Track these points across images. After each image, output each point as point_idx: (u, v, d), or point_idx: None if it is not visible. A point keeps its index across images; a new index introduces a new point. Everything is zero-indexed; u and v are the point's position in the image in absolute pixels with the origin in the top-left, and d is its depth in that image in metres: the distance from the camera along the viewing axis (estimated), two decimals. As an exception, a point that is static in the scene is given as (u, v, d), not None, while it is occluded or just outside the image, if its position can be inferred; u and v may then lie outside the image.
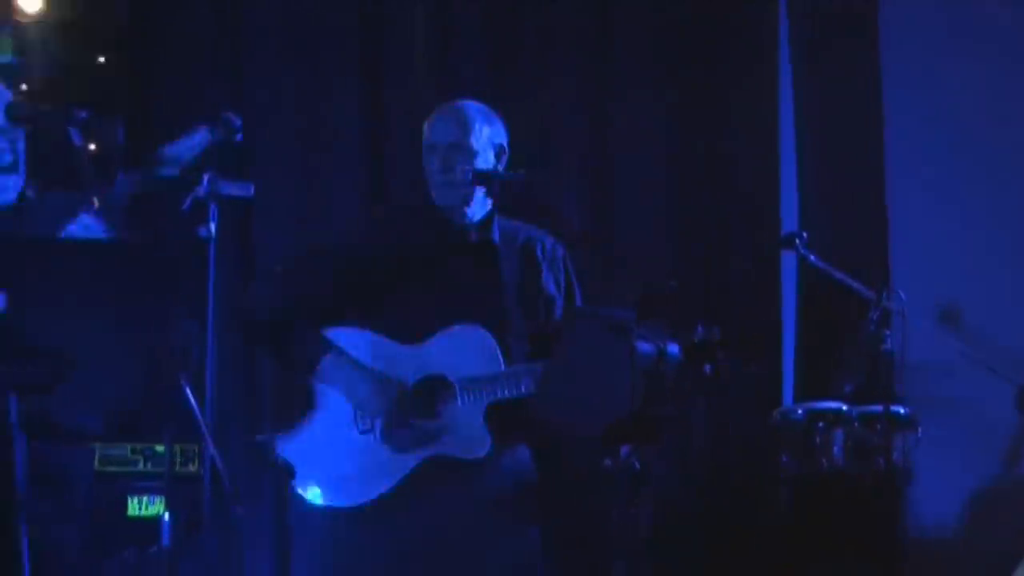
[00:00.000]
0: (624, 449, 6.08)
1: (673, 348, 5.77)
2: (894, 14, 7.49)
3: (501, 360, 5.10)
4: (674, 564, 6.30)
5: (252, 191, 5.85)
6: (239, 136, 5.08)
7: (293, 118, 7.63)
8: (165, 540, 4.47)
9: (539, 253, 5.34)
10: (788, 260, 7.06)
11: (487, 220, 5.27)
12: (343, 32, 7.73)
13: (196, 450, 5.94)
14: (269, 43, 7.75)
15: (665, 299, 6.11)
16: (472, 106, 5.33)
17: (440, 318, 5.08)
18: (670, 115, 7.60)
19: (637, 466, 5.98)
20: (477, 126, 5.20)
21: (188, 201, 5.53)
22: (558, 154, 7.54)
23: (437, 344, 5.09)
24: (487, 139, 5.21)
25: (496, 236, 5.27)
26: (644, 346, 5.70)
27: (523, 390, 5.11)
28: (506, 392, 5.08)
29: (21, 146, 4.52)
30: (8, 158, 4.58)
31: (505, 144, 5.30)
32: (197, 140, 4.79)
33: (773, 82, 7.52)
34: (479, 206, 5.25)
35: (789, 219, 7.28)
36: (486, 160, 5.20)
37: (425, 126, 5.30)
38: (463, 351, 5.09)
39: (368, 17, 7.69)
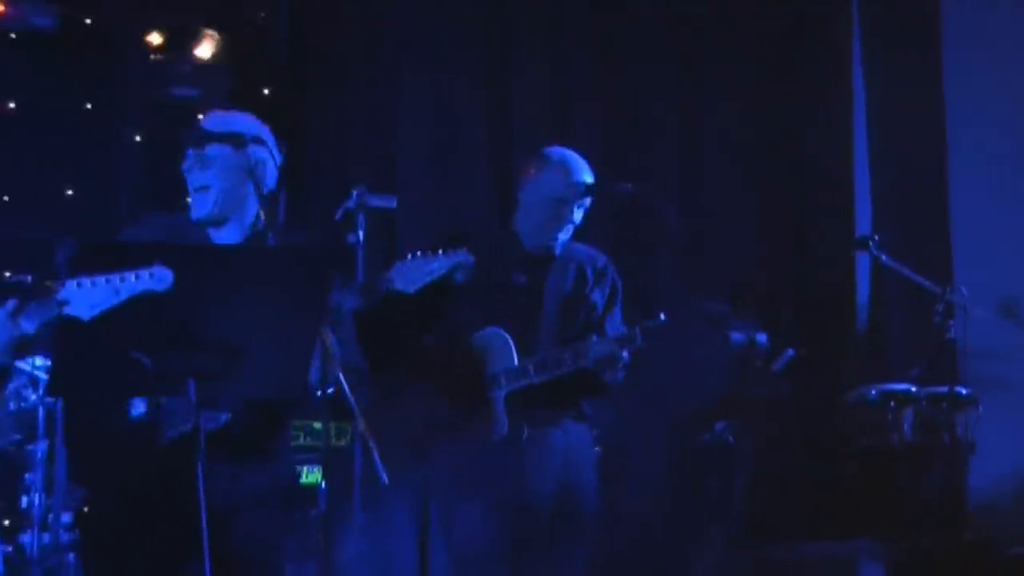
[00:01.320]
0: (719, 425, 6.21)
1: (761, 337, 5.88)
2: (957, 19, 7.35)
3: (515, 356, 5.17)
4: (764, 527, 6.32)
5: (395, 203, 6.02)
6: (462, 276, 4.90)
7: (431, 139, 7.74)
8: (322, 505, 4.45)
9: (589, 271, 5.43)
10: (862, 258, 7.03)
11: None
12: (474, 62, 7.85)
13: (347, 427, 6.17)
14: (409, 74, 7.84)
15: (754, 295, 6.25)
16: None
17: (481, 322, 5.21)
18: (754, 127, 7.56)
19: (730, 440, 6.11)
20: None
21: (340, 212, 5.69)
22: (655, 163, 7.58)
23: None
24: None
25: (557, 254, 5.38)
26: (736, 335, 5.83)
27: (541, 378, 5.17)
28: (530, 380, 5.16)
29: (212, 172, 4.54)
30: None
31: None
32: (435, 266, 4.69)
33: (848, 93, 7.43)
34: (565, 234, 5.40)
35: (863, 220, 7.26)
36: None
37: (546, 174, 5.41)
38: (489, 351, 5.23)
39: (495, 50, 7.82)
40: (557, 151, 5.49)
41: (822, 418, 6.44)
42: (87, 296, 3.57)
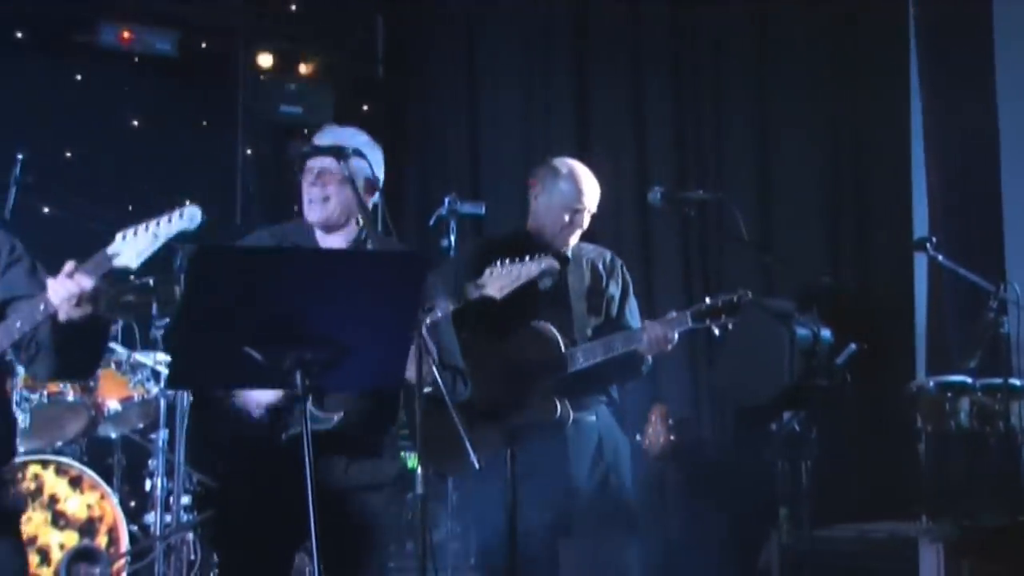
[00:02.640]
0: (786, 414, 6.17)
1: (826, 332, 5.83)
2: (1009, 24, 7.20)
3: (563, 346, 5.18)
4: (830, 509, 6.27)
5: (483, 210, 6.04)
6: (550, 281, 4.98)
7: (517, 150, 7.77)
8: (418, 488, 4.45)
9: (600, 266, 5.47)
10: (920, 259, 6.91)
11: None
12: (558, 78, 7.86)
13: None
14: (497, 89, 7.91)
15: (820, 293, 6.21)
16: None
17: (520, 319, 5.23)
18: (819, 136, 7.50)
19: (797, 428, 6.07)
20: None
21: (433, 218, 5.72)
22: (728, 171, 7.56)
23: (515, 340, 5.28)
24: None
25: (569, 254, 5.40)
26: (802, 331, 5.78)
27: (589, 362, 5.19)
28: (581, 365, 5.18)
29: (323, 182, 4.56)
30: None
31: None
32: (524, 272, 4.58)
33: (905, 101, 7.32)
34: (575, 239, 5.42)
35: (920, 222, 7.16)
36: None
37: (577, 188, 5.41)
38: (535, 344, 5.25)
39: (578, 66, 7.82)
40: (567, 163, 5.50)
41: (884, 408, 6.38)
42: (132, 245, 3.68)
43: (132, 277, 6.70)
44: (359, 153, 4.53)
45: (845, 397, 6.11)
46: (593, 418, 5.34)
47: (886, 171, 7.30)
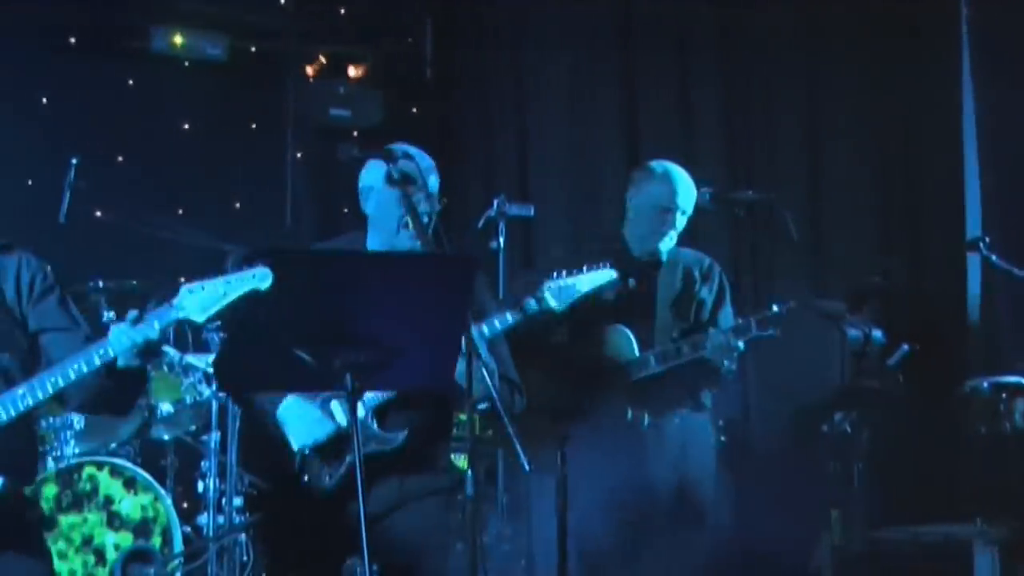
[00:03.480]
0: (837, 416, 6.11)
1: (877, 333, 5.77)
2: None
3: (637, 349, 5.18)
4: (882, 510, 6.22)
5: (532, 211, 5.99)
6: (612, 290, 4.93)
7: (565, 152, 7.72)
8: (469, 490, 4.47)
9: (696, 272, 5.42)
10: (973, 259, 6.84)
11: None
12: (605, 80, 7.78)
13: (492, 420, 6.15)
14: (544, 91, 7.86)
15: (871, 294, 6.13)
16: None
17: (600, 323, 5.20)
18: (871, 136, 7.43)
19: (848, 430, 6.01)
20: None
21: (482, 220, 5.68)
22: (778, 171, 7.49)
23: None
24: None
25: (664, 259, 5.38)
26: (853, 332, 5.73)
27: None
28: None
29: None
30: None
31: None
32: (583, 283, 4.63)
33: (958, 103, 7.26)
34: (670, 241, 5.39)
35: (973, 222, 7.07)
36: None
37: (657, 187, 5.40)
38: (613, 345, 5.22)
39: (625, 68, 7.74)
40: (661, 164, 5.49)
41: (937, 409, 6.31)
42: (199, 300, 3.65)
43: (182, 280, 6.71)
44: (408, 156, 4.54)
45: (897, 398, 6.08)
46: (676, 422, 5.29)
47: (938, 171, 7.26)
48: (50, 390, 3.64)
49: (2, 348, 3.73)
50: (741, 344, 5.12)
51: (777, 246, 6.73)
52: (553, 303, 4.51)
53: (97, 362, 3.63)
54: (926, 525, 6.12)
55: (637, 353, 5.16)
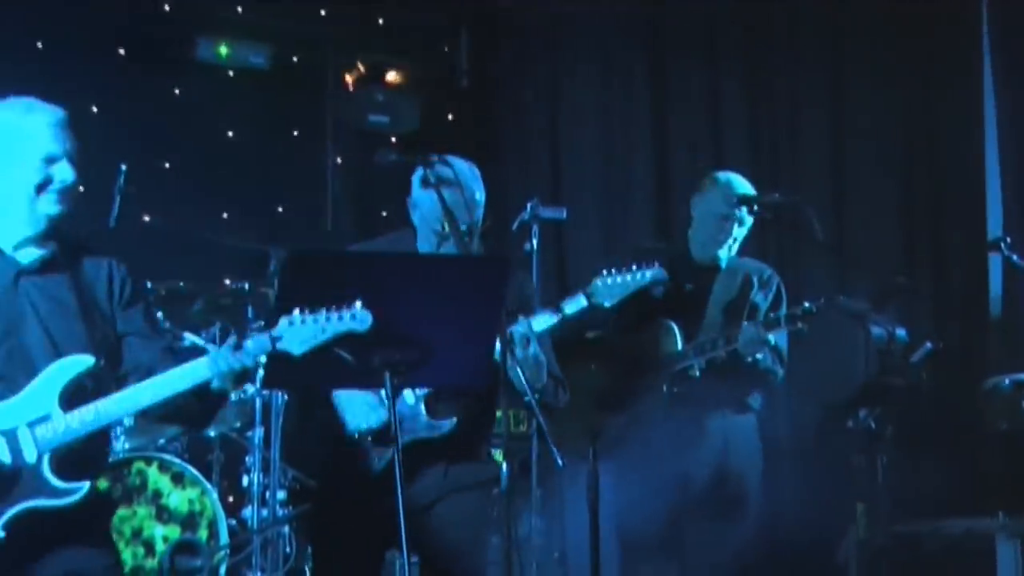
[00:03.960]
0: (862, 412, 6.11)
1: (901, 332, 5.77)
2: None
3: (680, 343, 5.21)
4: (906, 504, 6.15)
5: (565, 214, 6.01)
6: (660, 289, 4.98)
7: (597, 156, 7.73)
8: (504, 484, 4.42)
9: (755, 279, 5.48)
10: (994, 259, 6.83)
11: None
12: (636, 86, 7.80)
13: (523, 415, 6.13)
14: (576, 98, 7.87)
15: (895, 293, 6.14)
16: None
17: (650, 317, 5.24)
18: (893, 139, 7.40)
19: (873, 426, 6.01)
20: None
21: (516, 223, 5.71)
22: (804, 175, 7.48)
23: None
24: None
25: (723, 266, 5.44)
26: (877, 330, 5.73)
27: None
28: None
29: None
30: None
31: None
32: (633, 281, 4.62)
33: (979, 104, 7.23)
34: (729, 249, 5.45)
35: (995, 223, 7.06)
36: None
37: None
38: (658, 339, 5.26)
39: (655, 75, 7.75)
40: (723, 173, 5.57)
41: (959, 405, 6.30)
42: (298, 333, 3.63)
43: (228, 281, 6.77)
44: (444, 162, 4.57)
45: (920, 395, 6.06)
46: (719, 420, 5.31)
47: (960, 172, 7.21)
48: (145, 403, 3.65)
49: (98, 351, 3.73)
50: (772, 338, 5.17)
51: (803, 247, 6.74)
52: (603, 299, 4.55)
53: (193, 383, 3.64)
54: (949, 519, 6.12)
55: (680, 347, 5.21)
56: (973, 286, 7.04)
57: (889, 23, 7.39)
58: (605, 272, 4.59)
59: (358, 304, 3.62)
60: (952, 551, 6.01)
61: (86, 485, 3.64)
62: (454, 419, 4.44)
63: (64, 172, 3.73)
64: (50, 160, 3.71)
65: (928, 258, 7.19)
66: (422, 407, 4.43)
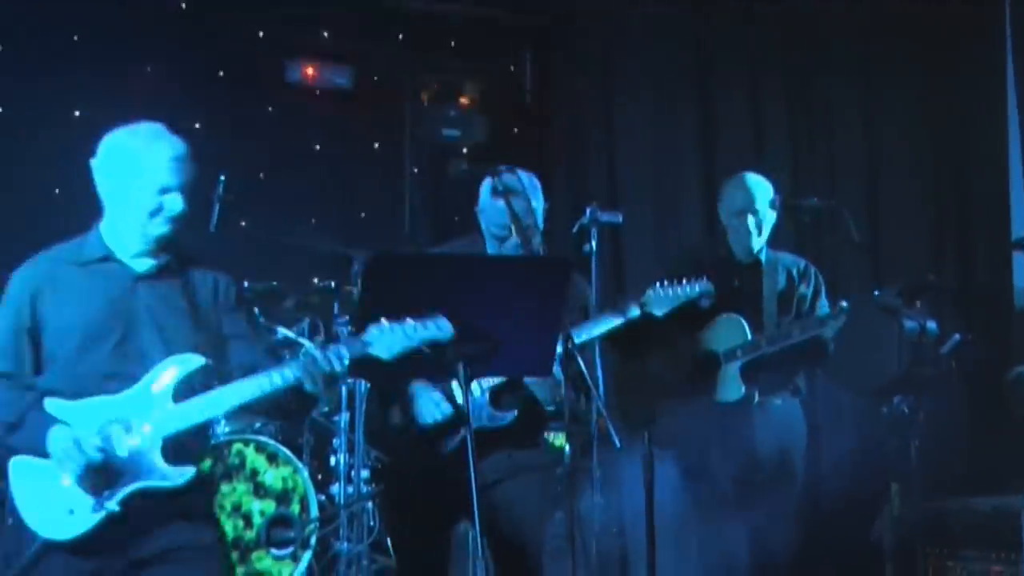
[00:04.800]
0: (896, 398, 6.03)
1: (931, 324, 5.69)
2: None
3: (749, 333, 5.15)
4: (937, 484, 6.09)
5: (621, 219, 5.98)
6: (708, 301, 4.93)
7: (650, 164, 7.64)
8: (567, 464, 4.43)
9: (795, 271, 5.42)
10: (1019, 257, 6.75)
11: (760, 249, 5.40)
12: (685, 99, 7.70)
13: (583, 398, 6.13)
14: (631, 109, 7.80)
15: (926, 289, 6.06)
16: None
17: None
18: (922, 144, 7.27)
19: (906, 411, 5.94)
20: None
21: (576, 227, 5.69)
22: (840, 180, 7.36)
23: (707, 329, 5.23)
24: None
25: (764, 260, 5.38)
26: (909, 323, 5.65)
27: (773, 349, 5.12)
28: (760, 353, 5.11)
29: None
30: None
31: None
32: (682, 293, 4.69)
33: (1003, 109, 7.07)
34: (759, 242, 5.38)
35: (1019, 222, 6.93)
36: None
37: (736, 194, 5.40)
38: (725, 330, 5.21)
39: (702, 87, 7.68)
40: (738, 174, 5.47)
41: (986, 393, 6.22)
42: (386, 339, 3.65)
43: (316, 281, 6.81)
44: (512, 171, 4.58)
45: (950, 383, 5.98)
46: (779, 402, 5.27)
47: (985, 175, 7.08)
48: (245, 399, 3.70)
49: (205, 351, 3.77)
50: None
51: (840, 247, 6.67)
52: (655, 309, 4.56)
53: (286, 383, 3.69)
54: (977, 497, 6.04)
55: (750, 336, 5.13)
56: (998, 282, 6.94)
57: (915, 31, 7.27)
58: (658, 283, 4.61)
59: (441, 316, 3.64)
60: (980, 526, 5.92)
61: (192, 469, 3.70)
62: (515, 412, 4.44)
63: (175, 203, 3.76)
64: (164, 191, 3.75)
65: (956, 256, 7.08)
66: (487, 400, 4.43)
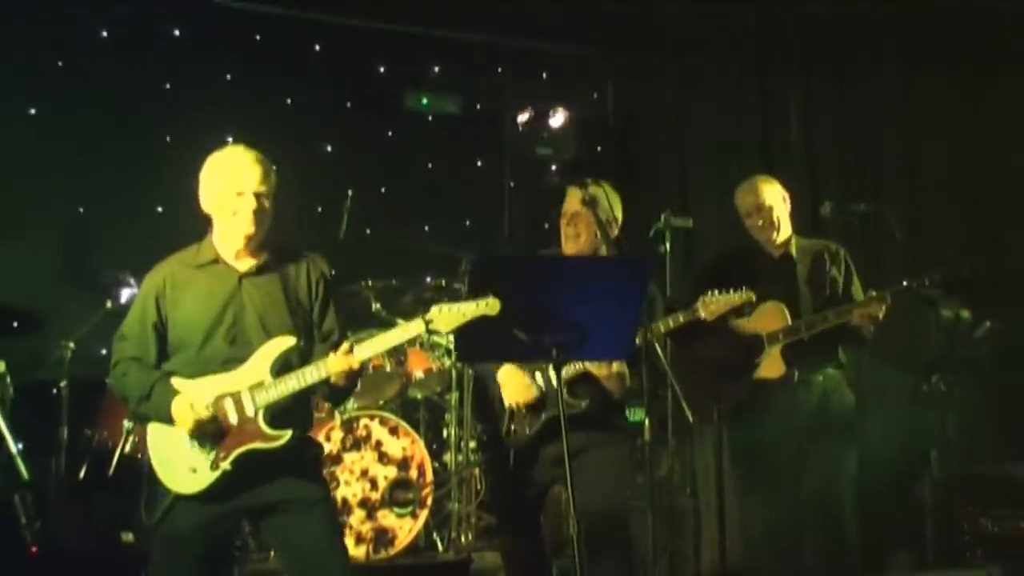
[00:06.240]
0: (934, 377, 5.90)
1: (965, 312, 5.55)
2: None
3: (789, 319, 4.99)
4: (973, 451, 5.89)
5: (691, 223, 5.92)
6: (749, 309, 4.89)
7: (715, 176, 7.56)
8: (646, 435, 4.38)
9: (825, 255, 5.19)
10: None
11: (787, 241, 5.21)
12: (748, 115, 7.57)
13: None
14: (700, 130, 7.77)
15: (961, 280, 5.88)
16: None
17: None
18: (959, 149, 6.74)
19: (943, 388, 5.81)
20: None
21: (652, 231, 5.65)
22: (885, 184, 7.00)
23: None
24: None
25: (793, 251, 5.20)
26: (946, 312, 5.53)
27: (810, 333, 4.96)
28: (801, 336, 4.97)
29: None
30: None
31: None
32: (730, 301, 4.62)
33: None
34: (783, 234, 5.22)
35: None
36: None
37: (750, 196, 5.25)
38: (768, 317, 5.04)
39: (763, 110, 7.54)
40: (746, 180, 5.33)
41: (1014, 372, 6.02)
42: (445, 317, 3.72)
43: (429, 279, 6.84)
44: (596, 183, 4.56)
45: (983, 363, 5.84)
46: (820, 378, 5.11)
47: (1016, 178, 6.74)
48: (309, 382, 3.81)
49: (299, 334, 3.90)
50: (882, 311, 4.93)
51: (884, 245, 6.51)
52: (703, 315, 4.55)
53: (314, 377, 3.80)
54: (1010, 462, 5.87)
55: (790, 322, 5.00)
56: None
57: (947, 49, 6.82)
58: (711, 293, 4.58)
59: (490, 296, 3.67)
60: (1009, 488, 5.77)
61: (289, 432, 3.81)
62: (588, 401, 4.42)
63: (246, 202, 3.87)
64: (239, 194, 3.87)
65: (987, 250, 6.77)
66: (564, 389, 4.41)
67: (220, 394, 3.81)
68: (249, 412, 3.80)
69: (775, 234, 5.20)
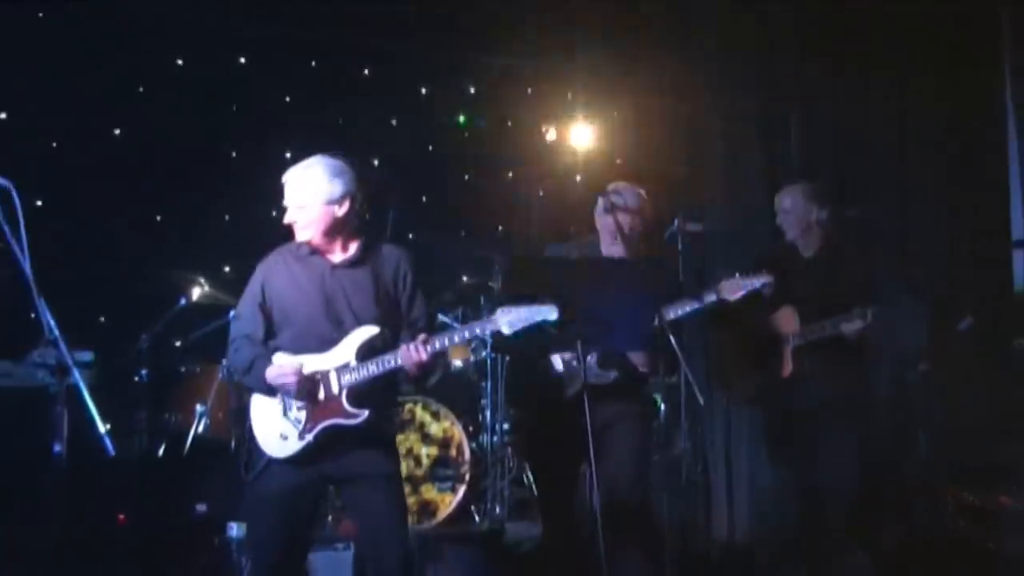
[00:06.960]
0: (921, 365, 5.92)
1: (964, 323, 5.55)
2: None
3: (797, 323, 4.93)
4: (958, 435, 5.94)
5: (702, 227, 5.97)
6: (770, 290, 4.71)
7: (724, 184, 7.33)
8: (661, 417, 4.47)
9: (842, 258, 5.14)
10: (1018, 254, 6.33)
11: (817, 244, 5.16)
12: (749, 126, 7.25)
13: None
14: (709, 154, 7.47)
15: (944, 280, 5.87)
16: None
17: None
18: (952, 162, 6.63)
19: (929, 375, 5.85)
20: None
21: (667, 234, 5.66)
22: (874, 192, 6.79)
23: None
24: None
25: (823, 253, 5.14)
26: (929, 307, 5.57)
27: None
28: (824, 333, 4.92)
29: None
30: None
31: None
32: (753, 283, 4.50)
33: (1003, 111, 6.37)
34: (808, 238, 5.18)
35: (1016, 225, 6.40)
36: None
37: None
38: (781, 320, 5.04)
39: (765, 121, 7.25)
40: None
41: (992, 361, 6.02)
42: (508, 319, 3.80)
43: (465, 278, 6.93)
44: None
45: (966, 354, 5.87)
46: (831, 360, 5.00)
47: (988, 187, 6.63)
48: (387, 368, 3.88)
49: (383, 323, 3.98)
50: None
51: (875, 247, 6.47)
52: (728, 296, 4.51)
53: (388, 366, 3.88)
54: (992, 443, 5.88)
55: (797, 326, 4.95)
56: (1002, 273, 6.50)
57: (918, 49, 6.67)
58: (734, 276, 4.52)
59: (551, 304, 3.75)
60: (990, 466, 5.83)
61: (367, 412, 3.90)
62: (615, 373, 4.47)
63: (289, 214, 4.02)
64: (287, 206, 4.02)
65: (967, 253, 6.67)
66: (595, 361, 4.45)
67: (312, 371, 3.92)
68: (335, 390, 3.91)
69: (797, 237, 5.17)
